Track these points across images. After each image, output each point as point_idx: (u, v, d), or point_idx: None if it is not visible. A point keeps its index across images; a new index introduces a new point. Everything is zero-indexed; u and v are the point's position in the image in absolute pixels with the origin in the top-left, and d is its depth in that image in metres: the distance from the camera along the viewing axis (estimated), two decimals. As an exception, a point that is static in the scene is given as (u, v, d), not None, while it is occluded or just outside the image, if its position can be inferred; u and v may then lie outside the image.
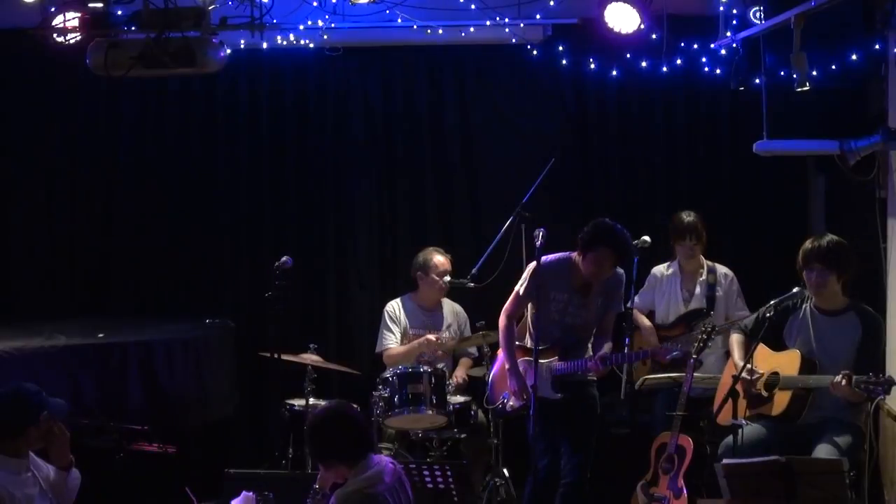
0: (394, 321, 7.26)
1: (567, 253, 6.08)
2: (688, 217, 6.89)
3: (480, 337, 6.84)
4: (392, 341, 7.22)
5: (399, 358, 7.06)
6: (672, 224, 6.94)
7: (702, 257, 6.96)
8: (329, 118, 7.91)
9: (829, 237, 5.78)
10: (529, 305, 6.19)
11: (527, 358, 6.10)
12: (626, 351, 6.19)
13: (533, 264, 6.09)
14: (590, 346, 6.14)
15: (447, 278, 7.12)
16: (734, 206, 7.71)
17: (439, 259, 7.17)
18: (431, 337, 7.08)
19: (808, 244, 5.77)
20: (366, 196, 7.93)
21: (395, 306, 7.31)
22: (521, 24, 7.25)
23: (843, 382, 5.41)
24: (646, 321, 6.97)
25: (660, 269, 7.06)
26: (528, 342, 6.18)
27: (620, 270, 6.15)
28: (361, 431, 4.73)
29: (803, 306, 5.85)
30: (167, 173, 7.91)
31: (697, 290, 6.89)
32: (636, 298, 6.96)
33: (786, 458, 4.98)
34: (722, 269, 6.93)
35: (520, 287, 6.15)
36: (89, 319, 7.32)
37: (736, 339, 6.06)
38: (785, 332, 5.87)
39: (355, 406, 4.93)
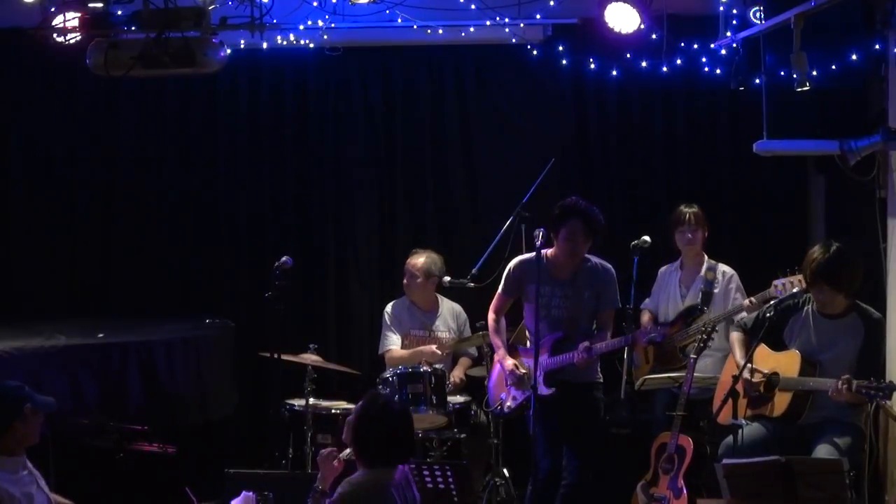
0: (394, 322, 7.27)
1: (545, 249, 6.13)
2: (688, 208, 6.89)
3: (480, 337, 6.84)
4: (394, 342, 7.22)
5: (401, 361, 7.06)
6: (672, 215, 6.93)
7: (704, 255, 6.95)
8: (329, 118, 7.90)
9: (835, 249, 5.62)
10: (525, 312, 6.23)
11: (523, 359, 6.15)
12: (624, 355, 6.19)
13: (512, 262, 6.24)
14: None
15: (446, 278, 7.12)
16: (734, 206, 7.71)
17: (409, 261, 7.20)
18: (434, 348, 7.09)
19: (817, 257, 5.62)
20: (366, 196, 7.93)
21: (393, 308, 7.32)
22: (521, 24, 7.25)
23: (844, 388, 5.39)
24: (647, 321, 6.95)
25: (665, 268, 7.07)
26: (529, 345, 6.21)
27: (609, 266, 6.17)
28: (394, 445, 4.69)
29: (805, 307, 5.83)
30: (167, 173, 7.92)
31: (694, 286, 6.88)
32: (647, 300, 7.00)
33: (786, 458, 4.99)
34: (722, 267, 6.90)
35: (500, 287, 6.29)
36: (89, 319, 7.32)
37: (736, 337, 6.04)
38: (786, 332, 5.86)
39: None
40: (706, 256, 6.94)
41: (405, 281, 7.23)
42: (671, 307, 6.92)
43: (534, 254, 6.07)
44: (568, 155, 7.65)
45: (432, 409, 6.62)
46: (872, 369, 5.54)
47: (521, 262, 6.19)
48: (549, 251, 6.13)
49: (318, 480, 4.83)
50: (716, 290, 6.82)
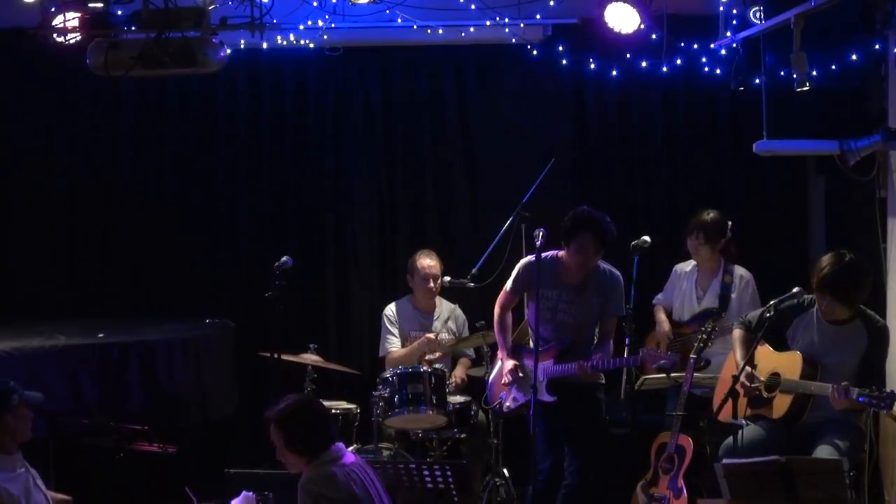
0: (392, 324, 7.26)
1: (556, 251, 6.12)
2: (706, 215, 6.83)
3: (480, 337, 6.84)
4: (394, 344, 7.22)
5: (401, 360, 7.06)
6: (691, 221, 6.89)
7: (721, 257, 6.91)
8: (329, 118, 7.90)
9: (847, 261, 5.56)
10: (528, 310, 6.21)
11: (526, 360, 6.15)
12: (625, 355, 6.19)
13: (523, 261, 6.22)
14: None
15: (447, 278, 7.11)
16: (734, 206, 7.68)
17: (424, 262, 7.18)
18: (431, 335, 7.08)
19: (826, 267, 5.56)
20: (366, 196, 7.93)
21: (391, 310, 7.31)
22: (521, 24, 7.25)
23: (843, 396, 5.38)
24: (664, 319, 6.95)
25: (681, 267, 7.04)
26: (531, 344, 6.20)
27: (618, 273, 6.16)
28: (328, 425, 4.96)
29: (810, 309, 5.78)
30: (167, 173, 7.92)
31: (711, 289, 6.86)
32: (659, 295, 7.00)
33: (786, 458, 4.99)
34: (739, 271, 6.85)
35: (508, 283, 6.26)
36: (89, 319, 7.32)
37: (738, 335, 6.01)
38: (789, 332, 5.84)
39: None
40: (723, 259, 6.91)
41: (414, 281, 7.21)
42: (686, 308, 6.90)
43: (547, 254, 6.07)
44: (568, 155, 7.66)
45: (432, 409, 6.61)
46: (875, 376, 5.52)
47: (530, 263, 6.15)
48: (561, 253, 6.12)
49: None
50: (733, 294, 6.80)
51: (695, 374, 6.07)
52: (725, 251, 6.88)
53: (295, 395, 5.15)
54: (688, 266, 7.00)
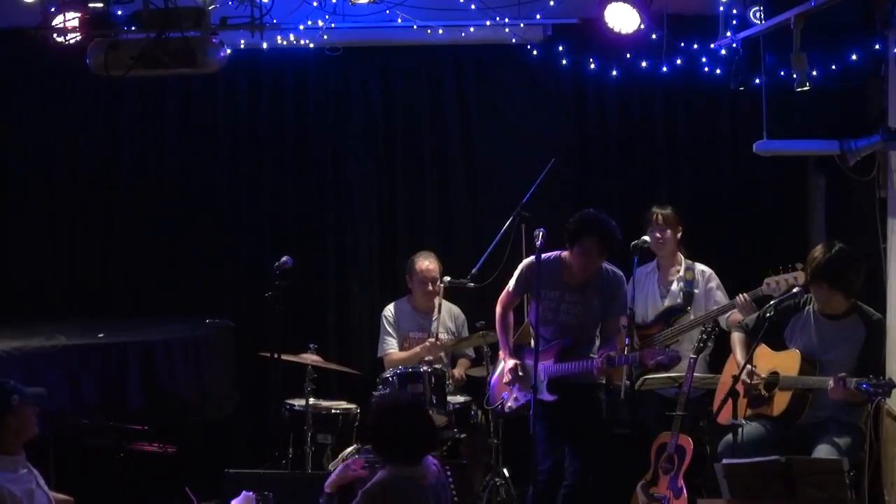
0: (391, 325, 7.26)
1: (559, 251, 6.12)
2: (660, 208, 6.86)
3: (480, 337, 6.84)
4: (392, 346, 7.22)
5: (400, 362, 7.05)
6: (645, 216, 6.88)
7: (680, 255, 6.92)
8: (329, 118, 7.90)
9: (837, 249, 5.63)
10: (530, 310, 6.21)
11: (527, 360, 6.14)
12: (626, 352, 6.19)
13: (525, 262, 6.21)
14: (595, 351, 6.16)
15: (447, 278, 7.10)
16: (734, 206, 7.71)
17: (423, 264, 7.17)
18: (433, 340, 7.07)
19: (818, 257, 5.64)
20: (366, 195, 7.93)
21: (390, 311, 7.31)
22: (521, 24, 7.25)
23: (841, 387, 5.39)
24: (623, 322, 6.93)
25: (639, 270, 7.01)
26: (532, 345, 6.21)
27: (620, 273, 6.16)
28: (410, 443, 4.76)
29: (806, 308, 5.82)
30: (167, 173, 7.92)
31: (674, 286, 6.85)
32: None
33: (786, 458, 4.99)
34: (700, 267, 6.88)
35: (510, 284, 6.25)
36: (89, 319, 7.32)
37: (737, 337, 6.04)
38: (786, 332, 5.86)
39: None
40: (682, 257, 6.92)
41: (413, 283, 7.21)
42: (650, 308, 6.87)
43: (550, 255, 6.07)
44: (568, 155, 7.65)
45: (432, 409, 6.59)
46: (873, 370, 5.54)
47: (532, 264, 6.11)
48: (564, 254, 6.11)
49: (328, 485, 4.87)
50: (696, 291, 6.80)
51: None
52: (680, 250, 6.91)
53: (409, 400, 5.18)
54: (647, 268, 6.97)
